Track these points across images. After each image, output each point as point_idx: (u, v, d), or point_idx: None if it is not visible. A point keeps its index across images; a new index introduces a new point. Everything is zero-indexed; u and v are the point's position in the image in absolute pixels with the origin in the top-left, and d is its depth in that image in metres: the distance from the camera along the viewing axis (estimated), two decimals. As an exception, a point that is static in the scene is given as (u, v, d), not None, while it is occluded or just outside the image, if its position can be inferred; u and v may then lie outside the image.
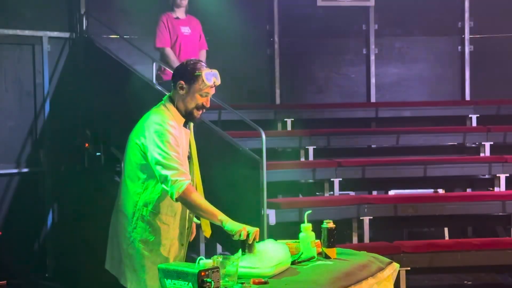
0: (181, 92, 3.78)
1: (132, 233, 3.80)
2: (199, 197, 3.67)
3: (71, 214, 7.55)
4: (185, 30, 7.23)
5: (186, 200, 3.63)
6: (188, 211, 3.87)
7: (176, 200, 3.65)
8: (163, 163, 3.63)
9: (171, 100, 3.83)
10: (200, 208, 3.64)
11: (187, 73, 3.77)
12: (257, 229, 3.52)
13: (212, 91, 3.81)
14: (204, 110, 3.85)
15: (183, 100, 3.79)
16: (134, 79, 6.84)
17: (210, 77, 3.76)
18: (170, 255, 3.84)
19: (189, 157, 3.91)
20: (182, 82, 3.77)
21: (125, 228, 3.83)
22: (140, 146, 3.72)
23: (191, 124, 3.95)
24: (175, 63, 6.96)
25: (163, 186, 3.66)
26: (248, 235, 3.46)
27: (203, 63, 3.82)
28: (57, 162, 7.82)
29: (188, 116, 3.83)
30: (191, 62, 3.82)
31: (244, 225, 3.52)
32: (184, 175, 3.64)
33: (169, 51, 7.12)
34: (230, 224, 3.54)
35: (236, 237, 3.49)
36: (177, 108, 3.81)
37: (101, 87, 7.42)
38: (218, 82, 3.81)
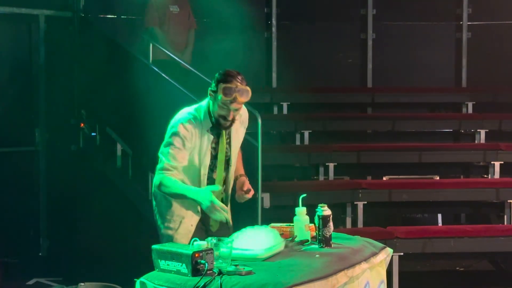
0: (211, 98, 3.84)
1: (154, 202, 4.03)
2: (171, 184, 3.75)
3: (65, 194, 7.54)
4: (174, 8, 7.20)
5: (162, 191, 3.81)
6: None
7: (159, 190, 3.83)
8: (159, 157, 3.84)
9: (208, 102, 3.87)
10: (173, 193, 3.79)
11: (215, 82, 3.80)
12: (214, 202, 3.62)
13: (235, 106, 3.76)
14: (231, 123, 3.84)
15: (212, 106, 3.84)
16: (130, 59, 6.80)
17: (230, 92, 3.71)
18: (178, 232, 3.92)
19: (214, 159, 3.91)
20: (211, 89, 3.82)
21: (153, 194, 4.04)
22: None
23: (230, 129, 3.93)
24: (163, 42, 6.94)
25: None
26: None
27: (238, 77, 3.75)
28: (52, 141, 7.81)
29: (216, 122, 3.85)
30: (225, 72, 3.79)
31: (209, 198, 3.62)
32: (165, 170, 3.77)
33: (157, 30, 7.10)
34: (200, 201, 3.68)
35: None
36: (209, 112, 3.86)
37: (97, 67, 7.38)
38: (243, 99, 3.74)
